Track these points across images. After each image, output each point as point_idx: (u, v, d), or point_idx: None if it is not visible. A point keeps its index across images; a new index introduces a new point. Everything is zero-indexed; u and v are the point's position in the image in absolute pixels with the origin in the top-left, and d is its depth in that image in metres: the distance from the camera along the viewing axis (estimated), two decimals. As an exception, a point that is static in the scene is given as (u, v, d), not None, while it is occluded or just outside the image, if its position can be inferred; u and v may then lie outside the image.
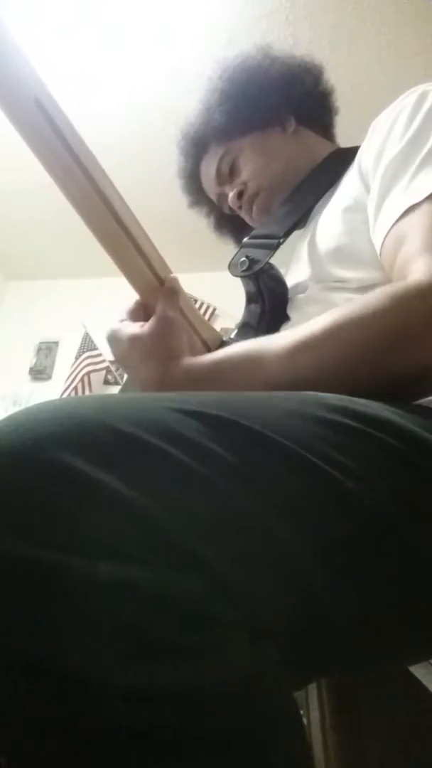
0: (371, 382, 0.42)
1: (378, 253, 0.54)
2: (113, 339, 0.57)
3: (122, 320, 0.58)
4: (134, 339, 0.54)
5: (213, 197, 0.90)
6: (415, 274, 0.44)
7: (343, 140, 0.91)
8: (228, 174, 0.84)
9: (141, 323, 0.55)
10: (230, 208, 0.88)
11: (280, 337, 0.47)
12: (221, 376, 0.47)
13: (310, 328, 0.45)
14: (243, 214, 0.87)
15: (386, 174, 0.54)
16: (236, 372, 0.47)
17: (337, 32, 1.80)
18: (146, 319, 0.56)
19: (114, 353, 0.57)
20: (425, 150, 0.51)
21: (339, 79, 0.90)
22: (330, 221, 0.65)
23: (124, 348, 0.55)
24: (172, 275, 0.59)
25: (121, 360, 0.56)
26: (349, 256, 0.61)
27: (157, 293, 0.56)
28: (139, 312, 0.59)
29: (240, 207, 0.85)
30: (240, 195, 0.83)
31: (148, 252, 0.55)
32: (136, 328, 0.55)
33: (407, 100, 0.57)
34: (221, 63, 0.83)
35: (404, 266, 0.47)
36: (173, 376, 0.49)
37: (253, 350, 0.47)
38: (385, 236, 0.51)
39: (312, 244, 0.67)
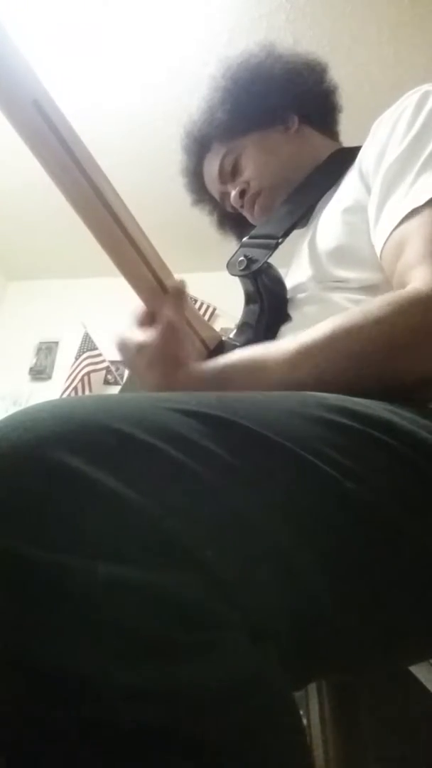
0: (375, 388, 0.42)
1: (378, 255, 0.54)
2: (122, 347, 0.59)
3: (129, 326, 0.60)
4: (141, 347, 0.55)
5: (215, 195, 0.90)
6: (416, 282, 0.45)
7: (343, 139, 0.91)
8: (230, 172, 0.84)
9: (147, 331, 0.57)
10: (233, 207, 0.88)
11: (281, 344, 0.48)
12: (225, 383, 0.49)
13: (310, 335, 0.46)
14: (245, 213, 0.87)
15: (387, 176, 0.54)
16: (240, 379, 0.49)
17: (338, 32, 1.80)
18: (152, 322, 0.58)
19: (123, 360, 0.60)
20: (426, 153, 0.51)
21: (339, 78, 0.89)
22: (330, 221, 0.65)
23: (132, 355, 0.57)
24: (179, 279, 0.59)
25: (130, 366, 0.59)
26: (349, 256, 0.61)
27: (159, 296, 0.57)
28: (145, 317, 0.60)
29: (242, 206, 0.85)
30: (242, 194, 0.83)
31: (147, 253, 0.55)
32: (142, 336, 0.56)
33: (408, 101, 0.57)
34: (225, 61, 0.83)
35: (404, 274, 0.48)
36: (178, 382, 0.52)
37: (256, 357, 0.49)
38: (386, 240, 0.51)
39: (312, 244, 0.67)
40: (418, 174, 0.51)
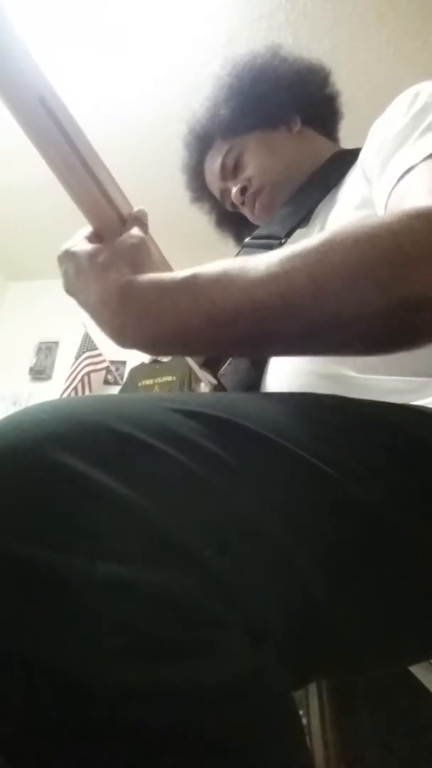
0: (374, 305, 0.35)
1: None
2: (66, 255, 0.48)
3: (77, 239, 0.50)
4: (95, 250, 0.45)
5: (216, 193, 0.90)
6: (426, 203, 0.38)
7: (343, 140, 0.91)
8: (232, 169, 0.84)
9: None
10: (232, 204, 0.88)
11: (271, 252, 0.39)
12: (197, 287, 0.39)
13: (304, 242, 0.38)
14: (245, 211, 0.87)
15: (388, 151, 0.54)
16: (216, 284, 0.38)
17: (337, 32, 1.79)
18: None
19: (65, 272, 0.48)
20: (425, 124, 0.51)
21: (339, 78, 0.90)
22: (340, 220, 0.65)
23: (79, 262, 0.46)
24: (140, 207, 0.52)
25: (73, 276, 0.47)
26: None
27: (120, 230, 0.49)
28: (96, 237, 0.50)
29: (243, 203, 0.85)
30: (243, 190, 0.83)
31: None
32: (97, 245, 0.47)
33: (403, 98, 0.57)
34: (230, 59, 0.83)
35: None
36: (139, 285, 0.41)
37: (236, 262, 0.40)
38: (389, 195, 0.49)
39: None
40: (417, 139, 0.50)
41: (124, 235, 0.46)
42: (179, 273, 0.41)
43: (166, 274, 0.42)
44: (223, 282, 0.38)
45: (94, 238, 0.50)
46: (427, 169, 0.45)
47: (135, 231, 0.47)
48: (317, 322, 0.35)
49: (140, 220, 0.50)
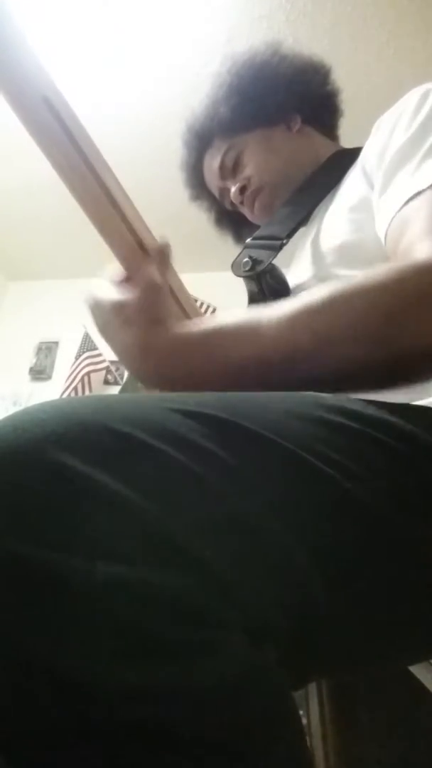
0: (372, 358, 0.39)
1: (383, 240, 0.53)
2: (95, 307, 0.53)
3: (104, 286, 0.54)
4: (116, 305, 0.50)
5: (215, 192, 0.90)
6: (420, 254, 0.43)
7: (343, 140, 0.91)
8: (231, 168, 0.84)
9: (125, 291, 0.52)
10: (232, 204, 0.88)
11: (277, 306, 0.44)
12: (212, 343, 0.44)
13: (310, 296, 0.42)
14: (244, 210, 0.87)
15: (391, 164, 0.54)
16: (229, 339, 0.43)
17: (337, 32, 1.79)
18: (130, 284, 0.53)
19: (96, 323, 0.54)
20: (429, 142, 0.51)
21: (339, 78, 0.90)
22: (335, 220, 0.65)
23: (105, 315, 0.51)
24: (165, 241, 0.56)
25: (102, 329, 0.52)
26: (354, 254, 0.60)
27: (142, 261, 0.53)
28: (122, 278, 0.55)
29: (242, 202, 0.84)
30: (243, 190, 0.83)
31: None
32: (118, 294, 0.51)
33: (410, 98, 0.57)
34: (230, 57, 0.83)
35: (407, 250, 0.46)
36: (158, 341, 0.46)
37: (248, 318, 0.44)
38: (390, 223, 0.50)
39: (316, 243, 0.67)
40: (422, 159, 0.50)
41: (146, 287, 0.50)
42: (196, 327, 0.46)
43: (183, 329, 0.46)
44: (237, 338, 0.43)
45: (120, 281, 0.54)
46: (430, 200, 0.47)
47: (156, 276, 0.51)
48: (316, 371, 0.40)
49: (163, 252, 0.54)
